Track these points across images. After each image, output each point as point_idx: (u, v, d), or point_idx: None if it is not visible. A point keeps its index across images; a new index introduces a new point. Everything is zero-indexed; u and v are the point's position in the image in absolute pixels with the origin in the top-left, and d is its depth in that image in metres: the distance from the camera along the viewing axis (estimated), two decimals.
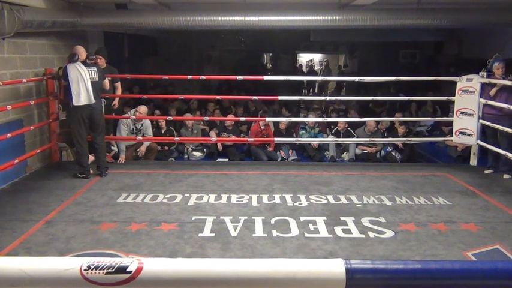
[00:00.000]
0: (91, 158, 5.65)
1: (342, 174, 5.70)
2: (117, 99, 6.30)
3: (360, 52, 15.71)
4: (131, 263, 1.26)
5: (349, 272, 1.27)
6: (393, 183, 5.30)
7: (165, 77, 6.65)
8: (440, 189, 5.08)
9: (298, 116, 8.63)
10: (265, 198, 4.69)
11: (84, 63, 5.20)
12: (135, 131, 6.52)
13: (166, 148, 7.28)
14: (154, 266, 1.27)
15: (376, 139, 7.01)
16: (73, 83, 5.07)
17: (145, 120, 6.62)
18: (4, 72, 5.19)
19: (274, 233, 3.80)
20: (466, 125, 5.95)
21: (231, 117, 7.58)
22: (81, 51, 5.24)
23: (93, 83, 5.20)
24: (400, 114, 7.95)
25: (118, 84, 6.27)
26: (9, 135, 4.89)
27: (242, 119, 7.07)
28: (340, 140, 7.08)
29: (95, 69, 5.32)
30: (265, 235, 3.77)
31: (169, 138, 7.05)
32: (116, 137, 6.49)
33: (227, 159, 7.12)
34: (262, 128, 7.25)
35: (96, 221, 4.01)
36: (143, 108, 6.61)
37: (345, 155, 7.33)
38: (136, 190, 4.92)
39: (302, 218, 4.14)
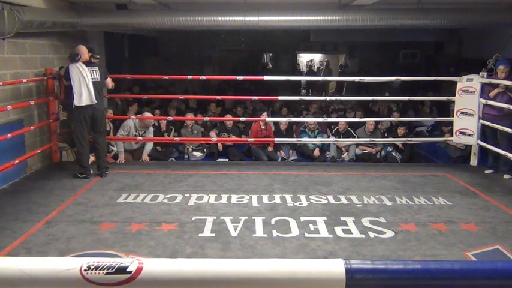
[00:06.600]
0: (91, 158, 5.65)
1: (342, 175, 5.70)
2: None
3: (360, 52, 15.71)
4: (131, 263, 1.26)
5: (349, 272, 1.27)
6: (393, 184, 5.30)
7: (165, 77, 6.66)
8: (441, 190, 5.08)
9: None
10: (265, 199, 4.69)
11: (86, 63, 5.21)
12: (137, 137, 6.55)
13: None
14: (154, 266, 1.27)
15: (376, 139, 7.01)
16: (75, 83, 5.07)
17: (150, 128, 6.64)
18: (4, 73, 5.19)
19: (275, 233, 3.80)
20: (466, 125, 5.95)
21: (230, 117, 7.57)
22: (84, 51, 5.23)
23: (94, 83, 5.20)
24: (398, 114, 7.94)
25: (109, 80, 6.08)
26: (9, 135, 4.88)
27: (242, 119, 7.08)
28: (341, 140, 7.09)
29: (97, 69, 5.32)
30: (266, 235, 3.77)
31: (169, 138, 7.06)
32: (116, 137, 6.49)
33: (227, 159, 7.12)
34: (263, 127, 7.26)
35: (96, 221, 4.01)
36: (149, 116, 6.63)
37: (345, 155, 7.33)
38: (137, 190, 4.92)
39: (302, 218, 4.14)
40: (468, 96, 5.87)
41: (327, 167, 6.32)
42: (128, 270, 1.24)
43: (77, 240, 3.62)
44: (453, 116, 6.18)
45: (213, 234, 3.76)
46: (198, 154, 7.27)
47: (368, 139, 7.01)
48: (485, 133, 5.93)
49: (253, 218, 4.14)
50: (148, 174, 5.60)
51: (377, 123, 7.38)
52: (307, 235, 3.77)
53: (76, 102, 5.09)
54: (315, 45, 15.67)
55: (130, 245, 3.55)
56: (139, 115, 6.72)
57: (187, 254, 3.40)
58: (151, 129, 6.67)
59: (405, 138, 6.88)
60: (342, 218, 4.15)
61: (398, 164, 6.85)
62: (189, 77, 6.57)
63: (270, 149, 7.29)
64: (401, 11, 6.77)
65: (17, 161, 5.00)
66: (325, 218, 4.15)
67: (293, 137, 7.45)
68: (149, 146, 6.61)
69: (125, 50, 11.57)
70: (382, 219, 4.14)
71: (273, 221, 4.07)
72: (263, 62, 16.59)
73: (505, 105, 5.36)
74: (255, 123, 7.38)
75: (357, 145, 7.37)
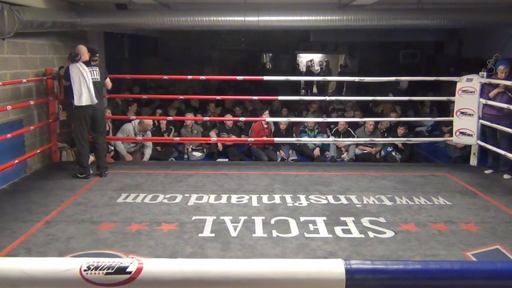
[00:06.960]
0: (91, 158, 5.65)
1: (342, 175, 5.70)
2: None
3: (360, 52, 15.70)
4: (131, 263, 1.26)
5: (349, 272, 1.27)
6: (393, 184, 5.30)
7: (165, 77, 6.66)
8: (440, 189, 5.08)
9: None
10: (265, 199, 4.69)
11: (87, 63, 5.20)
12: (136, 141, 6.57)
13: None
14: (154, 266, 1.27)
15: (376, 139, 7.02)
16: (75, 84, 5.07)
17: (149, 132, 6.70)
18: (4, 73, 5.19)
19: (274, 233, 3.80)
20: (466, 125, 5.95)
21: (230, 117, 7.57)
22: (84, 51, 5.23)
23: (95, 83, 5.20)
24: (395, 114, 7.93)
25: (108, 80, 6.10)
26: (9, 135, 4.88)
27: (242, 119, 7.08)
28: (340, 140, 7.09)
29: (97, 69, 5.32)
30: (265, 235, 3.77)
31: (169, 138, 7.07)
32: (116, 137, 6.49)
33: (227, 159, 7.12)
34: (265, 126, 7.27)
35: (96, 221, 4.01)
36: (149, 122, 6.67)
37: (345, 155, 7.33)
38: (136, 190, 4.92)
39: (302, 218, 4.14)
40: (468, 96, 5.87)
41: (327, 167, 6.32)
42: (127, 270, 1.24)
43: (76, 240, 3.62)
44: (453, 116, 6.18)
45: (213, 234, 3.76)
46: (198, 154, 7.27)
47: (368, 139, 7.02)
48: (485, 133, 5.92)
49: (253, 218, 4.14)
50: (148, 174, 5.60)
51: (377, 123, 7.38)
52: (307, 235, 3.77)
53: (76, 102, 5.09)
54: (315, 45, 15.66)
55: (130, 245, 3.55)
56: (139, 115, 6.74)
57: (187, 254, 3.40)
58: (149, 133, 6.70)
59: (405, 138, 6.88)
60: (342, 218, 4.15)
61: (398, 164, 6.85)
62: (189, 77, 6.58)
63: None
64: (401, 11, 6.77)
65: (16, 161, 5.00)
66: (325, 218, 4.15)
67: (293, 137, 7.45)
68: (148, 151, 6.65)
69: (125, 50, 11.57)
70: (382, 219, 4.14)
71: (272, 221, 4.07)
72: (263, 62, 16.59)
73: (504, 105, 5.36)
74: (255, 123, 7.39)
75: (357, 145, 7.37)
